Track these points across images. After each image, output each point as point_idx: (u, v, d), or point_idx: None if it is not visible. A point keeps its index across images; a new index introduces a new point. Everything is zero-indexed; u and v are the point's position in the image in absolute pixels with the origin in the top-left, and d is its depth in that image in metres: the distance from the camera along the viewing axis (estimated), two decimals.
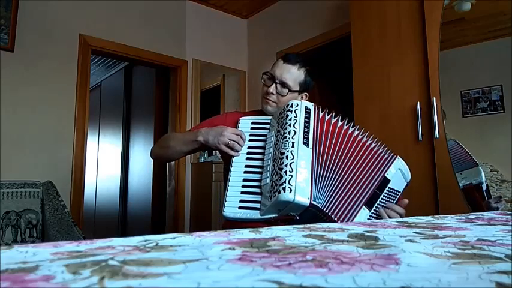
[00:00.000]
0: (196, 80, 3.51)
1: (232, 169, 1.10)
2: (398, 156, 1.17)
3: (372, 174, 1.10)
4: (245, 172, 1.09)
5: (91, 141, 4.32)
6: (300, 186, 0.95)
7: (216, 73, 3.85)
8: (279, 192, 0.95)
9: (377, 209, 1.10)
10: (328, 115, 1.13)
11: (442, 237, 0.52)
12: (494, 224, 0.71)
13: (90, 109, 2.99)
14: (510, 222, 0.75)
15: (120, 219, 4.00)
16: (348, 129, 1.15)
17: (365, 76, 2.14)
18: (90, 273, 0.28)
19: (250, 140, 1.15)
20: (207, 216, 3.39)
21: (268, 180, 1.02)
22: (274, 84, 1.27)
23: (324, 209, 1.00)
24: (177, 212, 3.27)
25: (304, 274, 0.30)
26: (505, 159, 1.80)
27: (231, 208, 1.04)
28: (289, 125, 1.05)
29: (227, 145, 1.12)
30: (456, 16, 1.96)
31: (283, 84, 1.26)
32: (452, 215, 0.94)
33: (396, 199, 1.15)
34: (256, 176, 1.07)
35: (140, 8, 3.19)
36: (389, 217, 1.10)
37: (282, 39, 3.45)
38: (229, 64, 3.78)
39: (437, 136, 1.77)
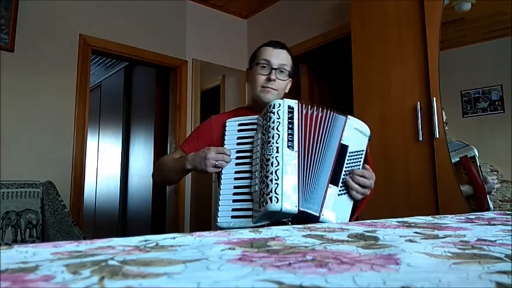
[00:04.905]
0: (196, 80, 3.51)
1: (222, 176, 1.09)
2: (348, 116, 1.10)
3: (328, 148, 1.04)
4: (235, 179, 1.08)
5: (91, 141, 4.31)
6: (286, 195, 0.95)
7: (216, 73, 3.85)
8: (267, 203, 0.95)
9: (344, 181, 1.04)
10: (312, 109, 1.08)
11: (442, 237, 0.52)
12: (494, 224, 0.71)
13: (90, 109, 2.98)
14: (510, 222, 0.75)
15: (120, 219, 3.99)
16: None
17: (365, 76, 2.14)
18: (90, 273, 0.28)
19: (238, 144, 1.11)
20: (207, 216, 3.39)
21: (257, 188, 1.01)
22: (273, 71, 1.22)
23: (317, 215, 0.97)
24: (177, 212, 3.27)
25: (304, 274, 0.30)
26: (505, 159, 1.80)
27: (224, 218, 1.04)
28: (273, 128, 1.02)
29: (215, 166, 1.09)
30: (456, 16, 1.96)
31: (282, 70, 1.24)
32: (452, 215, 0.94)
33: (362, 159, 1.08)
34: (247, 182, 1.06)
35: (140, 8, 3.19)
36: (358, 184, 1.03)
37: (282, 39, 3.42)
38: (229, 64, 3.77)
39: (437, 136, 1.77)
